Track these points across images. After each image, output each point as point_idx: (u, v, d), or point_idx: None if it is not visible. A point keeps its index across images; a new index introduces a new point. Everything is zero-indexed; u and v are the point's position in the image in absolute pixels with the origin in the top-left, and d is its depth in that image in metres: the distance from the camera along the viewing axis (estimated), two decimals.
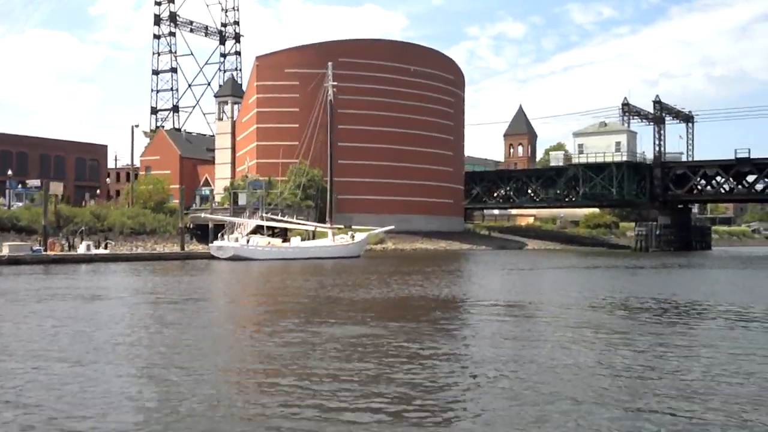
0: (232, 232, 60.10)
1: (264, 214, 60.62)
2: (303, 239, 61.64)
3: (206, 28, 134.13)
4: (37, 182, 71.25)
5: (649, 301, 25.04)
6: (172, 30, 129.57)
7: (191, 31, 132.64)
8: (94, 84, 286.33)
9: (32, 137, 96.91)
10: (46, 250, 48.60)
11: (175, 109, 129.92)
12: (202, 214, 65.71)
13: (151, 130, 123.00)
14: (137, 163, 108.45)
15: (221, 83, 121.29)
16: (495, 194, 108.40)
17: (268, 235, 63.53)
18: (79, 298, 24.41)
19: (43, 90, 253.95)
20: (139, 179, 78.33)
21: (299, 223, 63.19)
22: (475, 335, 16.77)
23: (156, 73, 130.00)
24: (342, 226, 64.22)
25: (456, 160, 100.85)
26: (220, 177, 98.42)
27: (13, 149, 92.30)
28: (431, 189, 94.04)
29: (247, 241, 56.39)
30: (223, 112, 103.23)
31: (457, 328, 18.20)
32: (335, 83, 62.63)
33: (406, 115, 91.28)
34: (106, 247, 53.28)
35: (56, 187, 63.07)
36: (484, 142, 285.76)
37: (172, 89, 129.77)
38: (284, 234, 66.00)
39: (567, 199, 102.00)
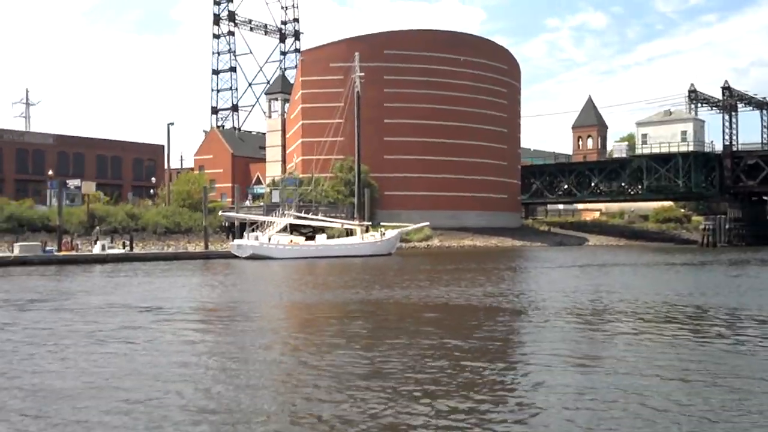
0: (262, 230, 58.35)
1: (289, 211, 58.62)
2: (329, 237, 59.38)
3: (266, 26, 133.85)
4: (77, 182, 71.43)
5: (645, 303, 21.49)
6: (231, 29, 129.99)
7: (251, 29, 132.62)
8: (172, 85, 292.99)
9: (89, 138, 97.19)
10: (59, 251, 48.05)
11: (235, 108, 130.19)
12: (222, 213, 64.38)
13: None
14: (191, 163, 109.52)
15: None
16: (556, 188, 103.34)
17: (304, 234, 61.67)
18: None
19: (129, 90, 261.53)
20: (180, 178, 78.09)
21: (326, 221, 60.98)
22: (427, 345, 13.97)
23: (216, 72, 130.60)
24: (370, 223, 61.63)
25: (511, 154, 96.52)
26: (271, 174, 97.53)
27: (69, 150, 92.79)
28: (484, 183, 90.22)
29: (269, 239, 54.57)
30: (275, 109, 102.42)
31: (392, 336, 15.41)
32: (362, 74, 60.01)
33: (456, 108, 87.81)
34: (125, 247, 52.37)
35: (88, 187, 63.13)
36: (558, 135, 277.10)
37: (231, 88, 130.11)
38: (322, 232, 64.01)
39: (632, 192, 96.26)
